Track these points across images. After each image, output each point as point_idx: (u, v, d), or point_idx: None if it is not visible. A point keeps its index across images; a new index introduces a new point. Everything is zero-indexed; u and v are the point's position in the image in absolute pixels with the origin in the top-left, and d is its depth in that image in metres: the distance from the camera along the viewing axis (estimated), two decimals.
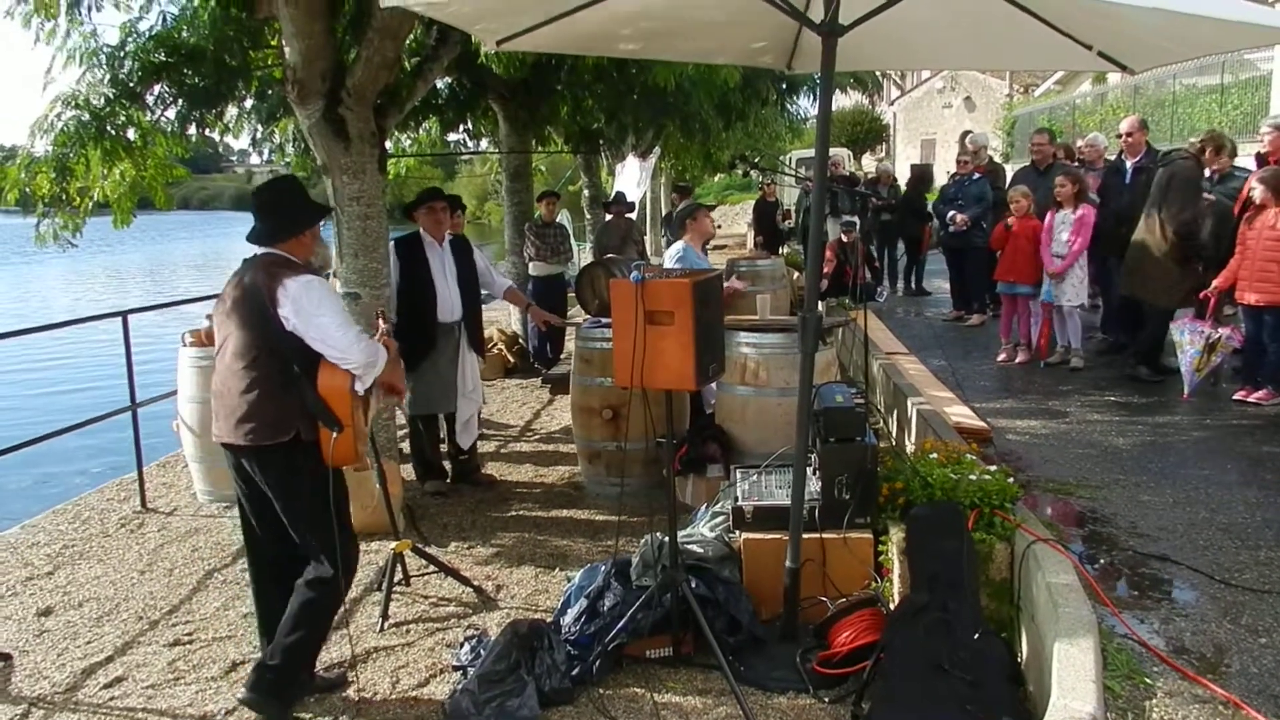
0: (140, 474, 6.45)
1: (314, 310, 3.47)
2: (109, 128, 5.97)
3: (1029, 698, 3.36)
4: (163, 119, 6.40)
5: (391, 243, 6.13)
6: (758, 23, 4.46)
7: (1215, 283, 6.78)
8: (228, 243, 53.81)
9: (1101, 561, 4.14)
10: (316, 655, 3.78)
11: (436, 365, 6.09)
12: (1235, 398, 6.63)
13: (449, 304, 6.14)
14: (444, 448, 6.54)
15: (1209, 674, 3.15)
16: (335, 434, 3.49)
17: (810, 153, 31.34)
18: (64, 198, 6.26)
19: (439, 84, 9.64)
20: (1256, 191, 6.51)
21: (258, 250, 3.67)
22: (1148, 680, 3.12)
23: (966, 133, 12.65)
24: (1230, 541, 4.30)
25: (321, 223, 4.05)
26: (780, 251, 15.84)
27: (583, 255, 15.31)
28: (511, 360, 10.49)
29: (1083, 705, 2.78)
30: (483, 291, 6.62)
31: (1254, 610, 3.63)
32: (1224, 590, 3.81)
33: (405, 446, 6.77)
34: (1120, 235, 7.97)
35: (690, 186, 17.48)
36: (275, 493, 3.60)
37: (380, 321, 4.31)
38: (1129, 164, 8.08)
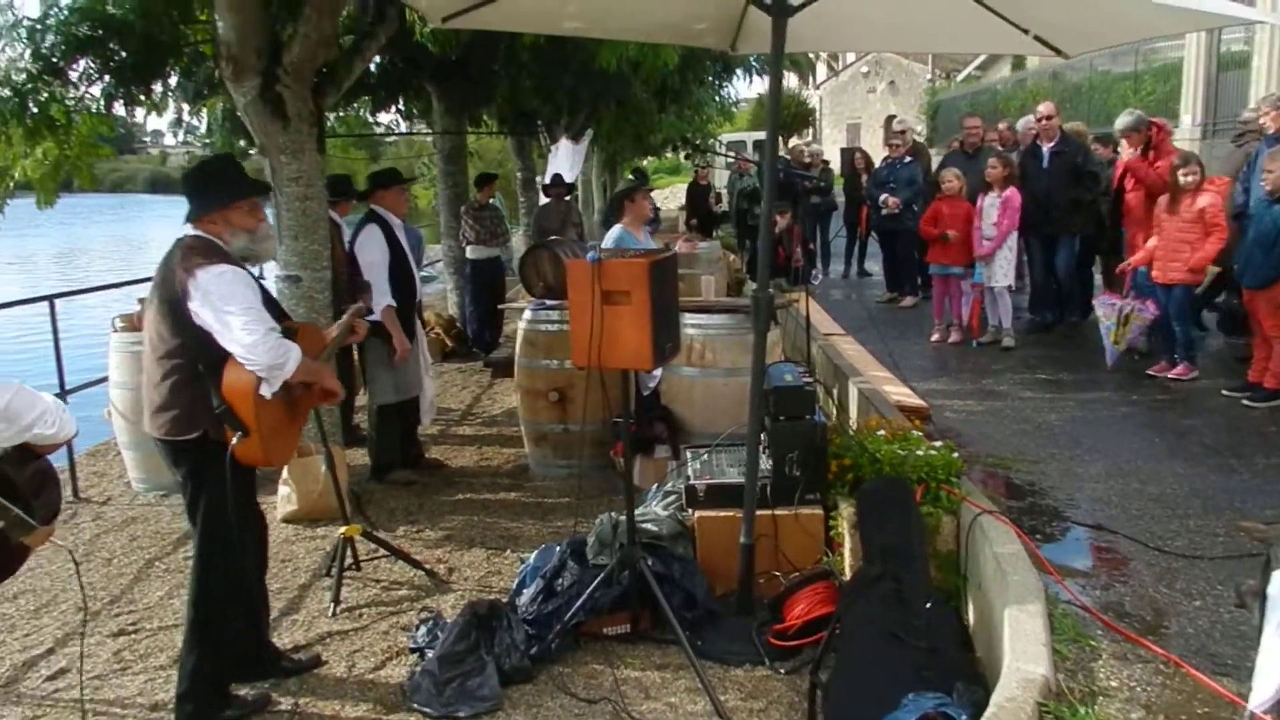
0: (71, 462, 6.23)
1: (222, 303, 3.30)
2: (31, 105, 5.75)
3: (978, 663, 3.48)
4: (88, 96, 6.18)
5: (375, 226, 5.81)
6: (701, 1, 4.49)
7: (1131, 260, 7.04)
8: (142, 227, 51.88)
9: (1042, 532, 4.29)
10: (224, 674, 3.59)
11: (414, 349, 5.97)
12: (1150, 372, 6.87)
13: (416, 284, 6.09)
14: None
15: (1150, 635, 3.30)
16: (237, 438, 3.34)
17: (739, 136, 31.72)
18: None
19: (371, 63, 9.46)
20: (1188, 176, 6.64)
21: (186, 231, 3.53)
22: (1093, 643, 3.25)
23: (892, 117, 12.83)
24: (1161, 511, 4.49)
25: (263, 205, 3.82)
26: (714, 235, 15.93)
27: (516, 238, 15.20)
28: (449, 344, 10.40)
29: (1035, 667, 2.89)
30: None
31: (1187, 575, 3.80)
32: (1158, 557, 3.98)
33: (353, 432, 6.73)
34: (1042, 217, 8.17)
35: (645, 171, 17.46)
36: (184, 487, 3.53)
37: (359, 305, 4.26)
38: (1045, 148, 8.25)
